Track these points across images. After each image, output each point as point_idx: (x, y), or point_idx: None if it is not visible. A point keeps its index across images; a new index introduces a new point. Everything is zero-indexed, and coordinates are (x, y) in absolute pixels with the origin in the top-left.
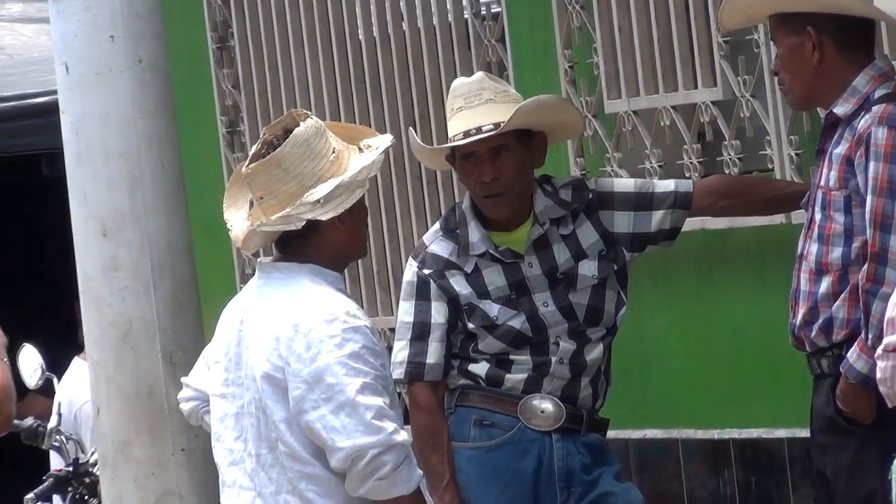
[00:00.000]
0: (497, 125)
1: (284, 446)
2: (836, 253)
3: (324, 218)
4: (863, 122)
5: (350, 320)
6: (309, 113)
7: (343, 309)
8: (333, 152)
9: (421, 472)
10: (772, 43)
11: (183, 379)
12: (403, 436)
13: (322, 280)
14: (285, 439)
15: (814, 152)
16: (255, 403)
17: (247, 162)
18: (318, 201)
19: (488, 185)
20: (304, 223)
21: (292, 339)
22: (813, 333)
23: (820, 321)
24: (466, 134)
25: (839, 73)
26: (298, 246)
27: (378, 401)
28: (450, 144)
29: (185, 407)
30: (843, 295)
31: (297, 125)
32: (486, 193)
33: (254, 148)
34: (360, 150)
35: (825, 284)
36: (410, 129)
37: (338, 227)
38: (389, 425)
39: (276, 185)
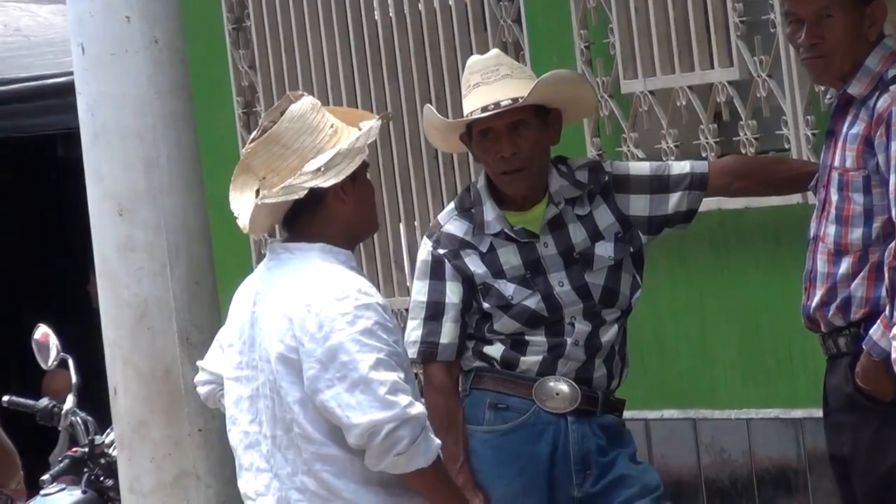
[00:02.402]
0: (515, 100)
1: (299, 427)
2: (857, 233)
3: (325, 185)
4: (882, 102)
5: (361, 297)
6: (305, 93)
7: (355, 286)
8: (332, 127)
9: (439, 441)
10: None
11: (199, 362)
12: (419, 408)
13: (333, 258)
14: (299, 420)
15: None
16: (269, 385)
17: (247, 145)
18: (318, 169)
19: (507, 160)
20: (306, 192)
21: (305, 318)
22: (830, 313)
23: (838, 301)
24: (485, 109)
25: (870, 50)
26: (305, 222)
27: (392, 376)
28: (469, 118)
29: (202, 391)
30: (862, 273)
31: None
32: (504, 169)
33: (253, 134)
34: (360, 129)
35: (845, 265)
36: (427, 105)
37: (342, 198)
38: (404, 399)
39: (277, 161)
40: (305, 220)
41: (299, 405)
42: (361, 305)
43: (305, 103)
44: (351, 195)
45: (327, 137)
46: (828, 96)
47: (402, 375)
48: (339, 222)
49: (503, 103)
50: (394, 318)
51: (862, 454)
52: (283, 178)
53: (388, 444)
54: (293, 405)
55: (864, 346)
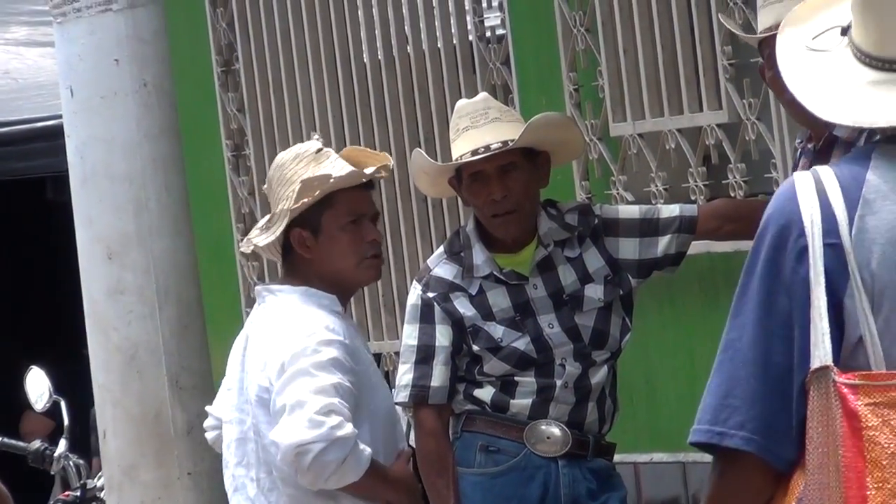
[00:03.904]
0: (505, 143)
1: (276, 470)
2: None
3: (261, 244)
4: None
5: (326, 334)
6: (316, 138)
7: (322, 324)
8: (301, 181)
9: (370, 451)
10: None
11: (207, 407)
12: (347, 429)
13: (314, 302)
14: (275, 462)
15: None
16: (253, 428)
17: None
18: (262, 227)
19: (498, 203)
20: (252, 247)
21: (275, 359)
22: None
23: None
24: (475, 152)
25: None
26: (289, 263)
27: (328, 399)
28: (459, 162)
29: (209, 436)
30: None
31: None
32: (495, 212)
33: None
34: (365, 172)
35: None
36: (417, 149)
37: (308, 247)
38: (334, 419)
39: (273, 204)
40: (289, 261)
41: (275, 447)
42: (323, 341)
43: (290, 151)
44: (315, 248)
45: (293, 192)
46: (797, 140)
47: (342, 402)
48: (313, 270)
49: (493, 146)
50: (361, 360)
51: None
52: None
53: (318, 468)
54: (270, 446)
55: None
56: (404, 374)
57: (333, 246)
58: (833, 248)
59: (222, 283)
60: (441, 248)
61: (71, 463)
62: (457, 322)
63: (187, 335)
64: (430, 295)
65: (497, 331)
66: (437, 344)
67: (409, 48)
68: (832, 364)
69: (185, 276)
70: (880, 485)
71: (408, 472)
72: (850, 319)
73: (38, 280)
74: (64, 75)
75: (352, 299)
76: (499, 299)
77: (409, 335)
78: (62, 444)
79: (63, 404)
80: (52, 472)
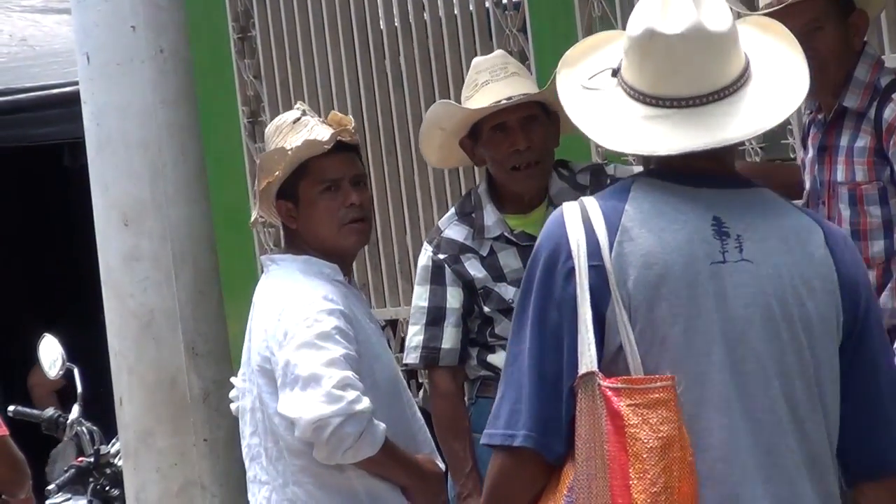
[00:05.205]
0: (526, 95)
1: (282, 440)
2: (878, 247)
3: (252, 218)
4: (889, 112)
5: (326, 304)
6: (298, 106)
7: (321, 294)
8: (259, 160)
9: (384, 427)
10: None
11: (232, 378)
12: (365, 403)
13: (315, 270)
14: (280, 432)
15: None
16: (258, 398)
17: None
18: (253, 202)
19: (522, 153)
20: (252, 219)
21: (276, 328)
22: None
23: None
24: (497, 104)
25: (856, 61)
26: (288, 234)
27: (343, 373)
28: (493, 107)
29: (233, 406)
30: (889, 285)
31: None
32: (517, 163)
33: None
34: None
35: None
36: (442, 100)
37: (292, 217)
38: (351, 394)
39: None
40: (287, 232)
41: (279, 416)
42: (323, 310)
43: (272, 125)
44: (299, 218)
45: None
46: (806, 110)
47: (354, 375)
48: (304, 239)
49: (515, 98)
50: (362, 328)
51: None
52: None
53: (336, 442)
54: (273, 416)
55: None
56: (415, 336)
57: (312, 214)
58: (597, 269)
59: (238, 249)
60: (452, 210)
61: (84, 429)
62: (468, 284)
63: (203, 301)
64: (441, 256)
65: (508, 292)
66: (447, 306)
67: (426, 14)
68: (597, 370)
69: (200, 243)
70: (641, 475)
71: (429, 464)
72: (610, 330)
73: (55, 247)
74: (80, 42)
75: (368, 266)
76: (510, 260)
77: (420, 296)
78: (75, 411)
79: (76, 371)
80: (66, 439)
